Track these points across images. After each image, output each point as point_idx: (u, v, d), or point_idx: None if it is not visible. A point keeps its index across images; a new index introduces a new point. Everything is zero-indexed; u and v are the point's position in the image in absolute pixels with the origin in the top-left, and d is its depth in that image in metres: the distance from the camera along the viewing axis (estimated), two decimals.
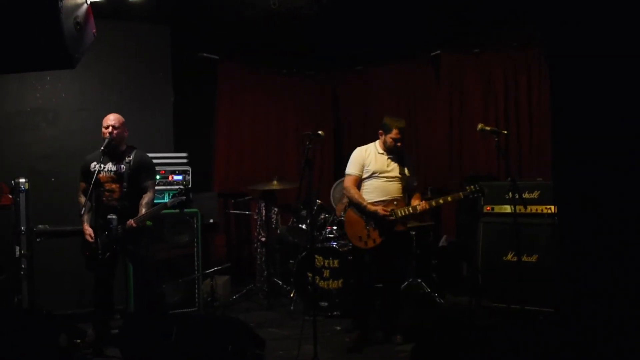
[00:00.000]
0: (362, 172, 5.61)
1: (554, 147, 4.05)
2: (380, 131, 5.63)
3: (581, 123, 3.66)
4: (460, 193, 5.36)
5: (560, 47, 3.77)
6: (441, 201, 5.45)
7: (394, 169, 5.56)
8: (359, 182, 5.63)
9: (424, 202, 5.46)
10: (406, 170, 5.57)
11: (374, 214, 5.40)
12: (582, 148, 3.66)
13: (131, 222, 5.32)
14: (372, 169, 5.57)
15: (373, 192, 5.55)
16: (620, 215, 3.51)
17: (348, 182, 5.65)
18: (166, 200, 6.42)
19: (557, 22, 3.74)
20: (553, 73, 3.90)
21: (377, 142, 5.69)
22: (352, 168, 5.67)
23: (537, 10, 5.04)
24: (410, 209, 5.43)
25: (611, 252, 3.55)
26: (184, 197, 5.42)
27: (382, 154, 5.62)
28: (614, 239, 3.54)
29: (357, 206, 5.54)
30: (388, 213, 5.40)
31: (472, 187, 5.34)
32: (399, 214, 5.42)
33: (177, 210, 5.56)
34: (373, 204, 5.46)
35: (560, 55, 3.76)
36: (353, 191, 5.58)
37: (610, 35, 3.50)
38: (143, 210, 5.40)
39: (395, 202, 5.48)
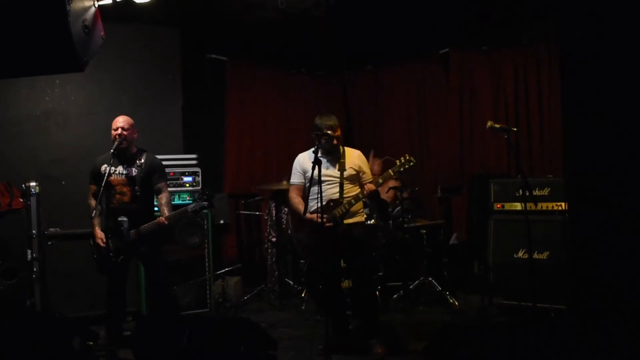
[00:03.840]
0: (304, 179, 5.38)
1: (564, 144, 4.04)
2: (312, 135, 5.31)
3: (592, 119, 3.65)
4: (390, 170, 5.18)
5: (573, 43, 3.75)
6: (380, 180, 5.15)
7: (331, 170, 5.29)
8: (303, 190, 5.37)
9: (368, 185, 5.14)
10: (347, 168, 5.28)
11: (311, 222, 5.08)
12: (594, 144, 3.64)
13: (162, 219, 5.33)
14: (309, 175, 5.25)
15: (314, 199, 5.15)
16: (632, 212, 3.49)
17: (290, 193, 5.48)
18: (176, 202, 6.46)
19: (572, 17, 3.73)
20: (565, 69, 3.89)
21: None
22: (292, 177, 5.50)
23: (552, 6, 5.02)
24: (346, 205, 5.15)
25: (622, 249, 3.53)
26: (205, 203, 5.42)
27: (322, 157, 5.24)
28: (625, 235, 3.52)
29: (298, 217, 5.28)
30: (326, 220, 5.07)
31: (401, 159, 5.16)
32: (337, 214, 5.15)
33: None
34: (313, 212, 5.13)
35: (573, 51, 3.75)
36: (292, 201, 5.39)
37: (624, 31, 3.48)
38: (165, 210, 5.41)
39: (331, 203, 5.19)
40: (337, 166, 5.31)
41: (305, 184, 5.39)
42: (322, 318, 4.99)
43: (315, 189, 5.17)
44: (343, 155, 5.36)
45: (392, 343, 5.41)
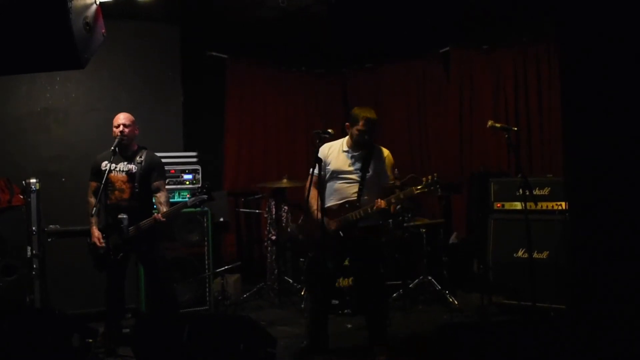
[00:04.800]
0: (323, 171, 5.13)
1: (564, 143, 4.03)
2: (347, 124, 5.13)
3: (592, 118, 3.64)
4: (413, 188, 4.88)
5: (572, 42, 3.75)
6: (401, 196, 4.93)
7: (355, 168, 5.08)
8: (321, 182, 5.13)
9: (380, 201, 4.87)
10: (371, 169, 5.07)
11: (320, 222, 4.88)
12: (594, 144, 3.64)
13: (158, 216, 5.30)
14: (331, 168, 5.11)
15: (332, 195, 5.09)
16: (633, 212, 3.49)
17: (307, 183, 5.23)
18: (176, 199, 6.46)
19: (570, 16, 3.73)
20: (564, 68, 3.88)
21: (346, 137, 5.20)
22: (312, 167, 5.15)
23: (551, 5, 5.02)
24: (361, 211, 4.93)
25: (623, 249, 3.53)
26: (205, 196, 5.40)
27: (347, 151, 5.14)
28: (625, 236, 3.52)
29: (309, 211, 5.13)
30: (334, 227, 4.99)
31: (428, 178, 4.88)
32: (351, 218, 4.97)
33: (194, 209, 5.54)
34: (328, 208, 5.02)
35: (573, 50, 3.75)
36: (308, 194, 5.09)
37: (623, 30, 3.48)
38: (163, 208, 5.39)
39: (347, 205, 5.01)
40: (361, 165, 5.10)
41: (323, 175, 5.14)
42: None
43: (330, 184, 5.10)
44: (371, 154, 5.13)
45: (391, 343, 5.39)
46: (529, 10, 7.24)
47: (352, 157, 5.14)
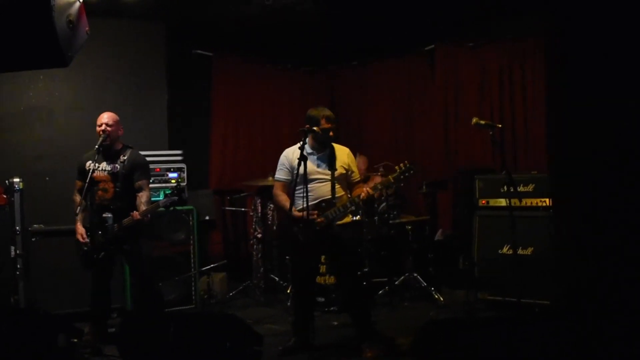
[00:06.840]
0: (290, 176, 5.17)
1: (549, 140, 4.06)
2: (307, 126, 5.09)
3: (577, 116, 3.67)
4: (390, 177, 5.08)
5: (558, 38, 3.77)
6: (379, 186, 5.16)
7: (323, 168, 5.15)
8: (288, 187, 5.20)
9: (366, 189, 5.01)
10: (338, 167, 5.16)
11: (301, 219, 4.94)
12: (578, 141, 3.67)
13: (136, 214, 5.26)
14: (300, 171, 5.00)
15: (302, 197, 4.96)
16: (616, 208, 3.51)
17: (275, 189, 5.31)
18: (161, 198, 6.43)
19: (557, 14, 3.75)
20: (550, 66, 3.91)
21: (307, 140, 5.18)
22: (278, 173, 5.30)
23: (538, 3, 5.05)
24: (341, 207, 5.05)
25: (606, 244, 3.55)
26: (176, 198, 5.38)
27: (312, 153, 5.17)
28: (609, 231, 3.55)
29: (285, 213, 5.17)
30: (318, 219, 5.00)
31: (401, 165, 5.03)
32: (330, 215, 5.04)
33: (172, 209, 5.53)
34: (301, 209, 4.96)
35: (559, 47, 3.77)
36: (279, 198, 5.24)
37: (609, 27, 3.50)
38: (143, 207, 5.36)
39: (323, 204, 5.07)
40: (328, 164, 5.16)
41: (291, 181, 5.19)
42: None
43: (302, 186, 5.01)
44: (333, 153, 5.21)
45: (378, 339, 5.40)
46: (513, 6, 7.26)
47: (318, 158, 5.20)
